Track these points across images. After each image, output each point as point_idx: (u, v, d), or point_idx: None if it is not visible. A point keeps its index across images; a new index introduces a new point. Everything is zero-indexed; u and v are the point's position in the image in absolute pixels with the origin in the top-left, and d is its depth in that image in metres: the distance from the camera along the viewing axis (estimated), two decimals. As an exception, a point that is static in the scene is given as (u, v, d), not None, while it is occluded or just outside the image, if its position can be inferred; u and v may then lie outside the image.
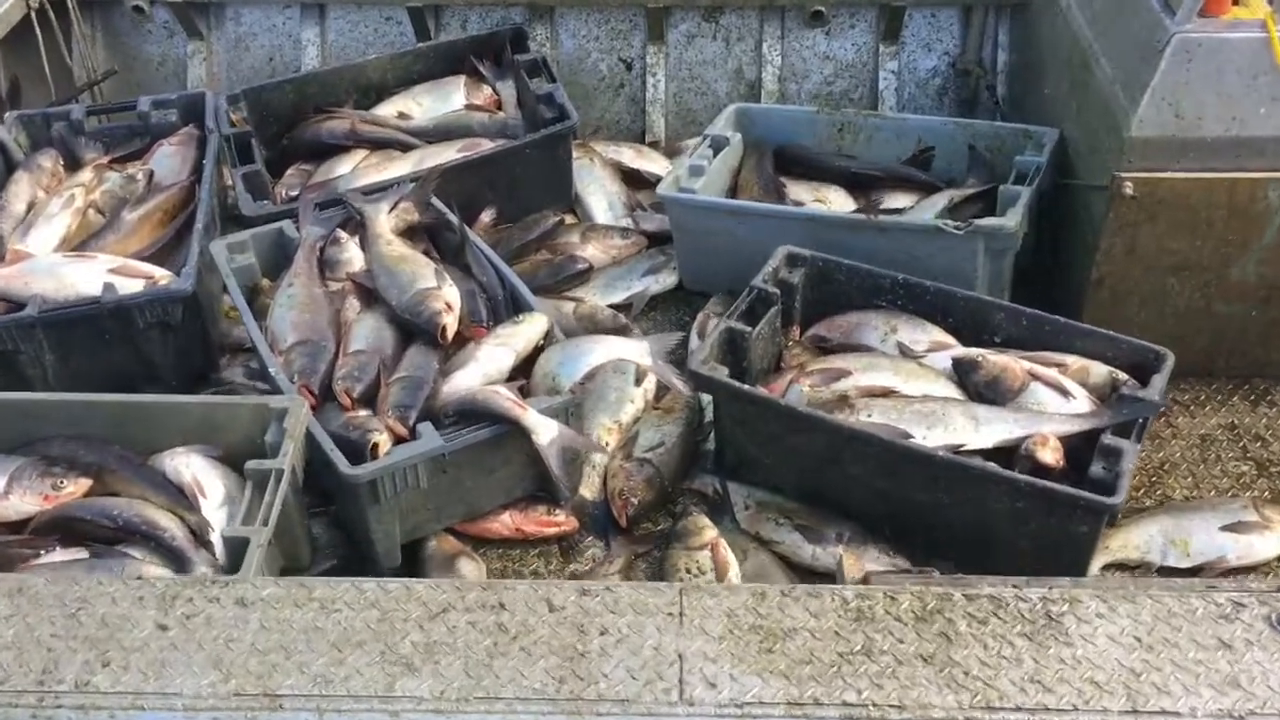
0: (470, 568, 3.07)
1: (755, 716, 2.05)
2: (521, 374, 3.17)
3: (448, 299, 3.22)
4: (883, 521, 3.14)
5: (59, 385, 3.42)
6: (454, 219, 3.57)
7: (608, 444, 3.43)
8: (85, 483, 2.88)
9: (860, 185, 4.10)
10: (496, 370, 3.13)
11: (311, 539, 3.04)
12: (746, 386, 3.15)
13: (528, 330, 3.17)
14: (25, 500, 2.84)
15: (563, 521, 3.21)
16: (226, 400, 2.99)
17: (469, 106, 4.33)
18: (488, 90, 4.39)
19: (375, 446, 2.88)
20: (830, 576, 3.10)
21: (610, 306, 3.93)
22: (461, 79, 4.40)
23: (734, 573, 3.05)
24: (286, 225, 3.56)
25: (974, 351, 3.28)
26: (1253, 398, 3.64)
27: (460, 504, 3.11)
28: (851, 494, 3.16)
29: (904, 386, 3.22)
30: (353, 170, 4.07)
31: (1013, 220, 3.47)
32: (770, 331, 3.43)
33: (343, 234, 3.53)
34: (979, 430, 3.07)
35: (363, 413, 3.05)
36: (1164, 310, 3.55)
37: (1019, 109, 4.36)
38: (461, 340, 3.22)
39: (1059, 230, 3.73)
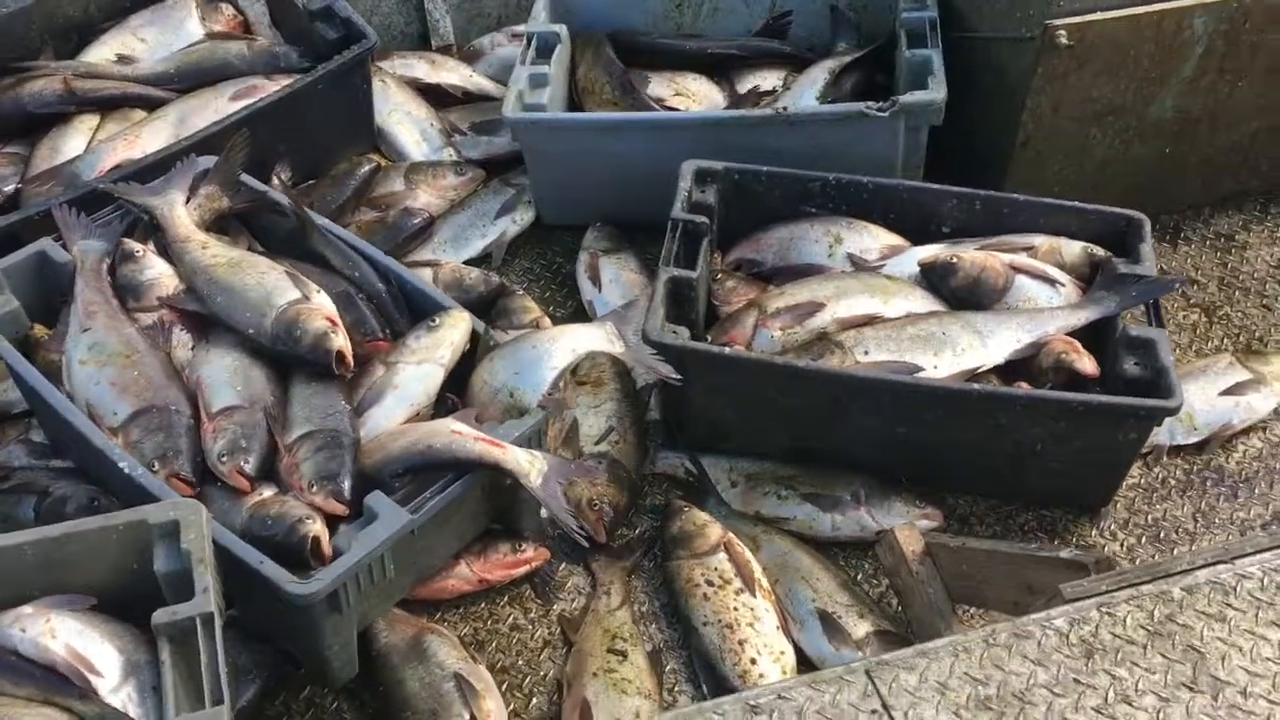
0: (444, 649, 2.40)
1: (1049, 821, 1.59)
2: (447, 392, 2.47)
3: (326, 311, 2.43)
4: (897, 469, 2.72)
5: None
6: (282, 199, 2.72)
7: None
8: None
9: (715, 68, 3.54)
10: (425, 395, 2.41)
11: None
12: (731, 351, 2.59)
13: (450, 335, 2.44)
14: None
15: (533, 556, 2.57)
16: (79, 526, 2.09)
17: (210, 35, 3.36)
18: (229, 10, 3.43)
19: (316, 542, 2.12)
20: (861, 545, 2.68)
21: (468, 264, 3.22)
22: (189, 0, 3.40)
23: (758, 571, 2.55)
24: (49, 246, 2.58)
25: (942, 252, 2.86)
26: (1168, 237, 3.46)
27: (410, 572, 2.40)
28: (857, 446, 2.71)
29: (885, 309, 2.77)
30: (90, 146, 3.06)
31: (940, 91, 3.04)
32: (706, 270, 2.86)
33: (134, 245, 2.60)
34: (987, 345, 2.68)
35: (267, 492, 2.26)
36: (1084, 163, 3.27)
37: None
38: (358, 362, 2.45)
39: (960, 92, 3.32)
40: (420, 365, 2.41)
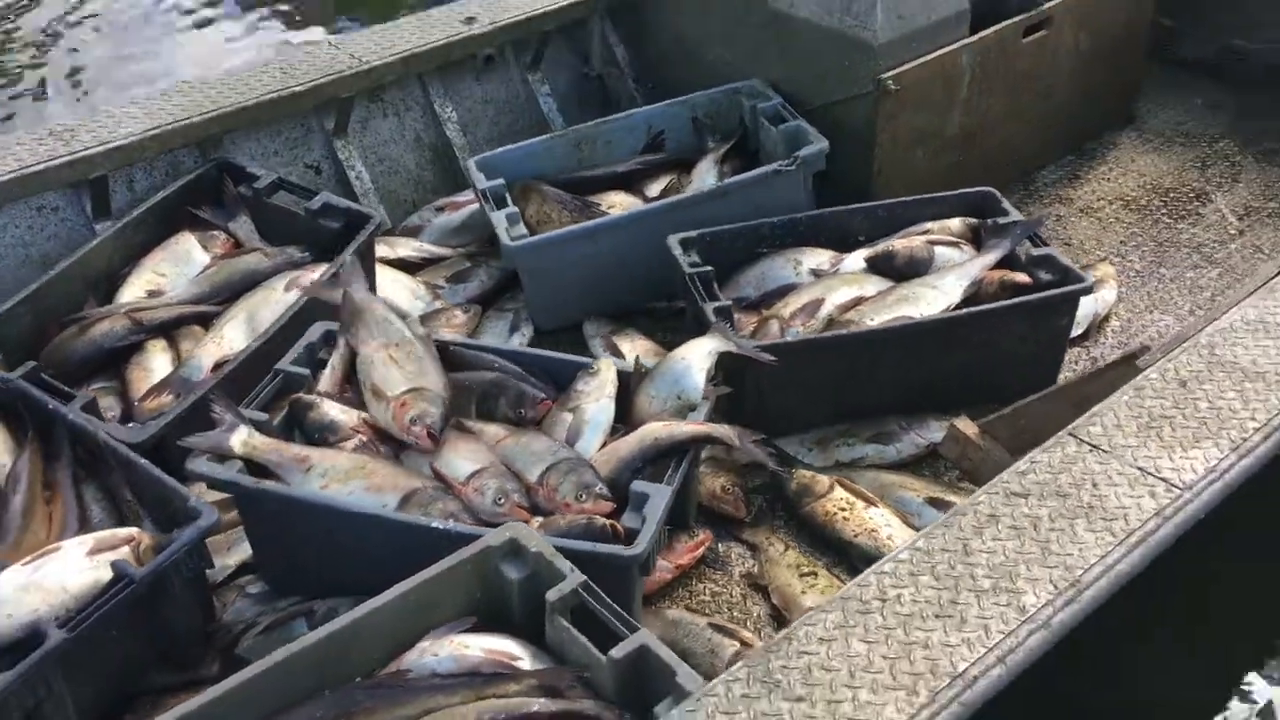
0: (686, 614, 2.99)
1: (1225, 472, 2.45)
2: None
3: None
4: (917, 403, 3.56)
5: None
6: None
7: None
8: (353, 754, 2.33)
9: (625, 185, 4.38)
10: (608, 423, 3.04)
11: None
12: (798, 337, 3.39)
13: (608, 374, 3.09)
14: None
15: (704, 538, 3.20)
16: (441, 566, 2.53)
17: (218, 258, 3.83)
18: (221, 235, 3.91)
19: (614, 528, 2.69)
20: (921, 459, 3.49)
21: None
22: (186, 235, 3.87)
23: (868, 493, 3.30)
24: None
25: (880, 247, 3.81)
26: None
27: (638, 565, 2.97)
28: (885, 393, 3.54)
29: (864, 292, 3.65)
30: (185, 357, 3.45)
31: (824, 143, 4.03)
32: (722, 304, 3.65)
33: (307, 396, 3.06)
34: (945, 293, 3.60)
35: (538, 520, 2.79)
36: (913, 179, 4.34)
37: (663, 88, 4.86)
38: (535, 422, 3.05)
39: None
40: (597, 402, 3.03)
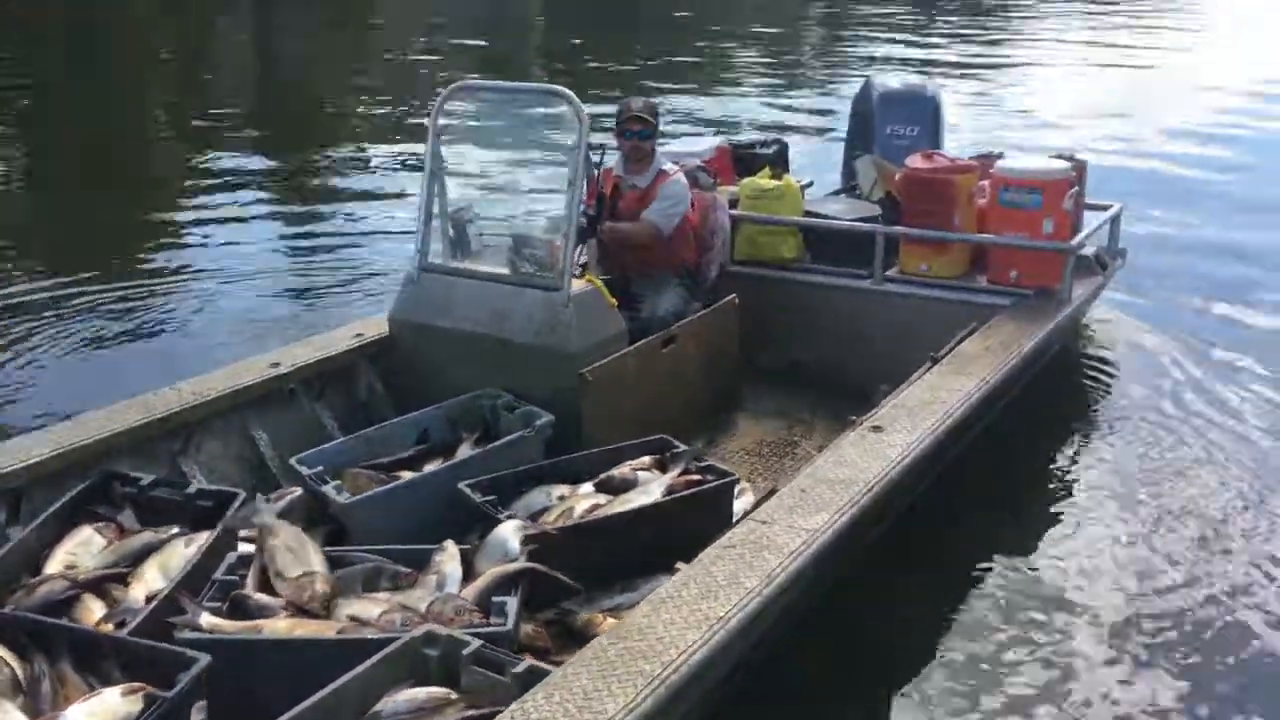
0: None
1: (900, 462, 4.34)
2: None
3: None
4: (649, 562, 5.24)
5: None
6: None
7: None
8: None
9: (409, 468, 5.94)
10: (460, 580, 4.51)
11: None
12: (574, 523, 5.03)
13: (454, 550, 4.60)
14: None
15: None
16: (380, 656, 3.85)
17: (114, 541, 5.01)
18: (113, 525, 5.09)
19: (486, 623, 4.15)
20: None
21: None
22: (85, 528, 5.02)
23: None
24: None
25: (602, 476, 5.59)
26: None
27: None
28: (625, 560, 5.19)
29: (599, 502, 5.39)
30: (121, 600, 4.57)
31: (550, 415, 5.86)
32: (507, 520, 5.25)
33: (241, 594, 4.34)
34: (652, 495, 5.38)
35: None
36: (622, 433, 6.19)
37: (418, 403, 6.52)
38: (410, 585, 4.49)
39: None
40: (450, 564, 4.51)
